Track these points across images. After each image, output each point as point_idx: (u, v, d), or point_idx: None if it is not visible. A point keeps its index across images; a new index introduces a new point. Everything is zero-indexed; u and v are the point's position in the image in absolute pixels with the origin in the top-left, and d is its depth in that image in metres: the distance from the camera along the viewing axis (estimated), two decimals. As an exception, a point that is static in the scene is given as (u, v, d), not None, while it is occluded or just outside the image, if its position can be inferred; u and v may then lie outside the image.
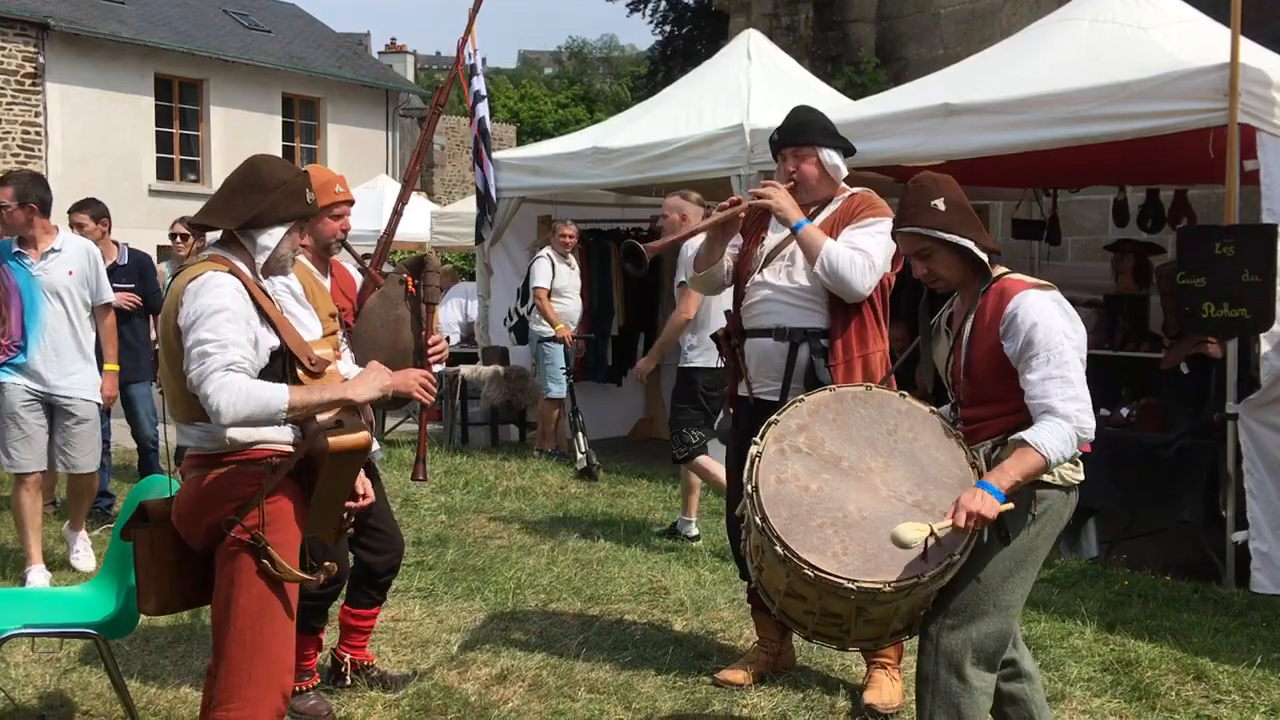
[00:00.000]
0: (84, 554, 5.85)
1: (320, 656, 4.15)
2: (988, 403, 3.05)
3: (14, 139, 19.72)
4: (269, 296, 3.04)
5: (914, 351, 3.50)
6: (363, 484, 3.57)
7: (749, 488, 3.05)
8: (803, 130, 4.15)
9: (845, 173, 4.21)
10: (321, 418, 2.95)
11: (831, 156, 4.12)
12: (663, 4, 24.75)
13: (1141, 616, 5.08)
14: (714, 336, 4.44)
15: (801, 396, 3.26)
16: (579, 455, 8.34)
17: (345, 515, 3.27)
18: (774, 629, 4.30)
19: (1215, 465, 5.75)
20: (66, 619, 3.63)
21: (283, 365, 2.95)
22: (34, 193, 5.43)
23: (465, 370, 9.67)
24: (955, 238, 3.05)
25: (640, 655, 4.52)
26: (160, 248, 19.78)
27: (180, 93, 22.46)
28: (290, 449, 2.96)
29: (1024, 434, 2.87)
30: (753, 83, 8.64)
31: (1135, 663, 4.47)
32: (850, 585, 2.85)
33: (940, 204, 3.07)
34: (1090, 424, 2.89)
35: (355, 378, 3.08)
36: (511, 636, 4.75)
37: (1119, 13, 6.66)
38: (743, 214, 4.10)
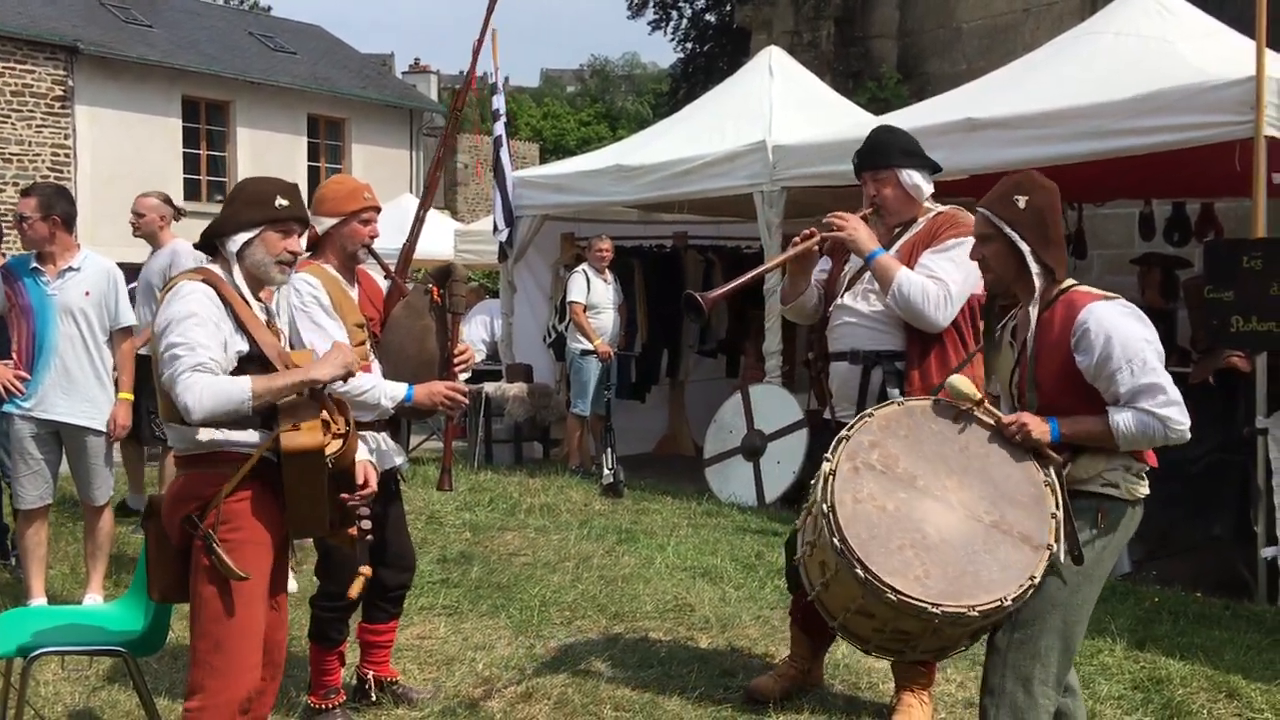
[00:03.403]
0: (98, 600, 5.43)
1: (346, 675, 4.16)
2: (1055, 415, 3.04)
3: (44, 161, 19.98)
4: (248, 303, 3.13)
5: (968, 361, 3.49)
6: (364, 472, 3.53)
7: (824, 506, 3.04)
8: (880, 152, 4.05)
9: (929, 190, 4.08)
10: (311, 421, 3.00)
11: (911, 176, 4.00)
12: (684, 22, 24.90)
13: (1172, 634, 5.03)
14: (805, 362, 4.41)
15: (870, 411, 3.22)
16: (606, 471, 8.33)
17: (350, 510, 3.26)
18: (807, 645, 4.27)
19: (1246, 480, 5.70)
20: (95, 637, 3.65)
21: (257, 371, 3.04)
22: (58, 205, 5.17)
23: (489, 388, 9.69)
24: (1015, 236, 3.05)
25: (666, 673, 4.50)
26: (187, 267, 19.89)
27: (207, 114, 22.70)
28: (252, 451, 3.06)
29: (1111, 410, 2.93)
30: (775, 99, 8.67)
31: (1166, 680, 4.43)
32: (935, 610, 2.86)
33: (1021, 202, 3.07)
34: (1184, 424, 2.91)
35: (320, 358, 3.16)
36: (536, 654, 4.75)
37: (1142, 26, 6.64)
38: (816, 246, 4.04)
